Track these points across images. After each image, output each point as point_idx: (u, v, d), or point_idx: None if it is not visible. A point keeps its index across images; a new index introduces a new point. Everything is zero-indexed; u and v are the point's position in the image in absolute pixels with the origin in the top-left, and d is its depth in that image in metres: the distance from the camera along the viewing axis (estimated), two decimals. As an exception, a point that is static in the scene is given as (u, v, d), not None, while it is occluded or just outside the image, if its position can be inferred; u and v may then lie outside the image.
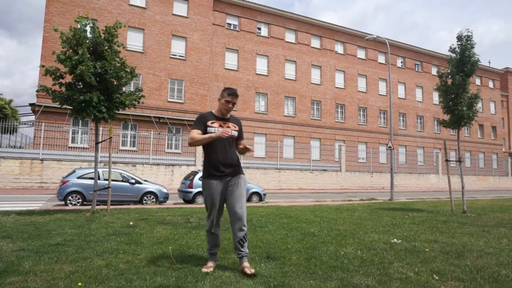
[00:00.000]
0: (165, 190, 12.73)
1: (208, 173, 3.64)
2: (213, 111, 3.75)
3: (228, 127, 3.66)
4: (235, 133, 3.70)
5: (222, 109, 3.68)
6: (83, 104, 7.97)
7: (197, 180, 13.02)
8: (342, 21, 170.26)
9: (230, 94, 3.64)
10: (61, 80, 8.24)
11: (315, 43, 32.63)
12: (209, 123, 3.62)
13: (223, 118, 3.71)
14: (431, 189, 28.18)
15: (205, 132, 3.58)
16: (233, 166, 3.67)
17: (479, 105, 37.80)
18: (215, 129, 3.57)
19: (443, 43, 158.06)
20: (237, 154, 3.78)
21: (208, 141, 3.54)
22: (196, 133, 3.56)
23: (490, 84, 44.38)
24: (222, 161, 3.60)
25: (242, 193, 3.62)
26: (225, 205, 3.68)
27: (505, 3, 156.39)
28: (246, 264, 3.51)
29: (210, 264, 3.63)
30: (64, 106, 8.39)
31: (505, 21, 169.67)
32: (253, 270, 3.42)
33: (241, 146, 3.75)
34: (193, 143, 3.58)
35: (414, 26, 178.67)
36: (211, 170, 3.62)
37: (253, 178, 21.12)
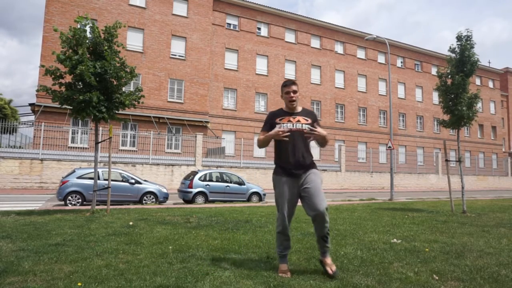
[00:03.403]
0: (164, 190, 12.72)
1: (277, 171, 3.62)
2: (283, 108, 3.72)
3: (298, 121, 3.55)
4: (306, 127, 3.52)
5: (287, 103, 3.64)
6: (83, 104, 7.98)
7: (197, 180, 13.02)
8: (345, 20, 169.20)
9: (286, 85, 3.61)
10: (61, 80, 8.25)
11: (315, 43, 32.63)
12: (277, 120, 3.59)
13: (292, 113, 3.62)
14: (431, 189, 28.18)
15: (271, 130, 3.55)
16: (304, 164, 3.56)
17: (479, 105, 37.77)
18: (284, 125, 3.52)
19: (446, 42, 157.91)
20: (309, 149, 3.66)
21: (271, 139, 3.54)
22: (262, 135, 3.58)
23: (490, 84, 44.40)
24: (291, 160, 3.52)
25: (317, 188, 3.48)
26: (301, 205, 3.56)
27: (508, 3, 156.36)
28: (329, 260, 3.50)
29: (285, 267, 3.50)
30: (64, 106, 8.40)
31: (508, 21, 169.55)
32: (334, 268, 3.41)
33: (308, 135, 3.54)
34: (259, 145, 3.64)
35: (417, 26, 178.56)
36: (281, 169, 3.59)
37: (253, 178, 21.11)
